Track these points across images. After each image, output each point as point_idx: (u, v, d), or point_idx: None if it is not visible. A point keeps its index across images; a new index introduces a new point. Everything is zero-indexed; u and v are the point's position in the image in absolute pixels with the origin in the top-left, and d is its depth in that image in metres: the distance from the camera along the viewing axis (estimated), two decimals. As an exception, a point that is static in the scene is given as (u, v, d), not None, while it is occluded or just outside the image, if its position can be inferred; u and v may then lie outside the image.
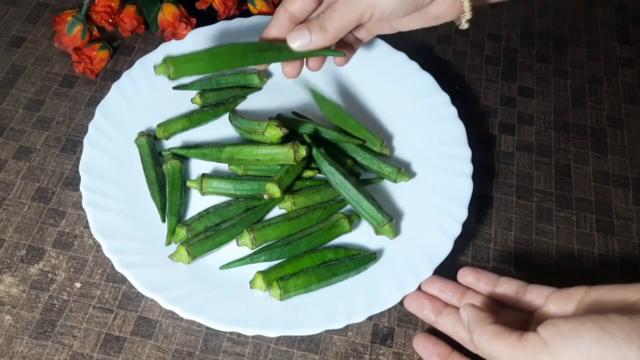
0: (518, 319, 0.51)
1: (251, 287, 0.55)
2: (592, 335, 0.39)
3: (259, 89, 0.70)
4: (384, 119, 0.68)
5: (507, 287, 0.52)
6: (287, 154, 0.59)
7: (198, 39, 0.72)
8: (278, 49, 0.55)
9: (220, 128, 0.67)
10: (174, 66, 0.52)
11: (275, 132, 0.60)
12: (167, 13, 0.71)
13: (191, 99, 0.67)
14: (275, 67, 0.72)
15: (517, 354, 0.42)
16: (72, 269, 0.58)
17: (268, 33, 0.56)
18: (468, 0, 0.54)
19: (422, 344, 0.53)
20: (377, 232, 0.59)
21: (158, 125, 0.65)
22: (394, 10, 0.53)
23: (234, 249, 0.58)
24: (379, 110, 0.69)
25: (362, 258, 0.57)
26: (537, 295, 0.51)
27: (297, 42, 0.54)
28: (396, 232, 0.59)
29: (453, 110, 0.67)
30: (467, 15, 0.54)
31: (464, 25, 0.55)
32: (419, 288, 0.55)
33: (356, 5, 0.53)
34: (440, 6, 0.54)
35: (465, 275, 0.54)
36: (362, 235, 0.60)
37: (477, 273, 0.54)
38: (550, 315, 0.47)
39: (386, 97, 0.70)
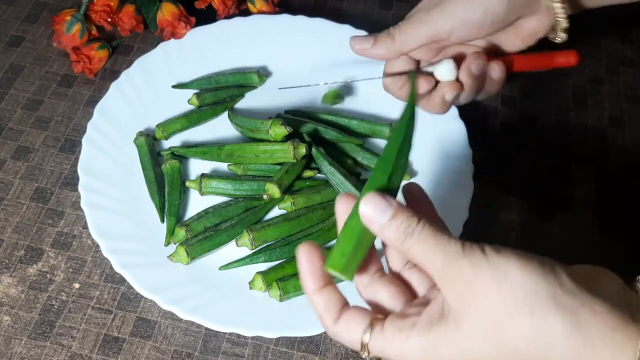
0: None
1: (251, 288, 0.55)
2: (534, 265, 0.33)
3: (256, 87, 0.70)
4: (384, 118, 0.68)
5: None
6: (286, 151, 0.59)
7: (197, 38, 0.71)
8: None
9: (220, 127, 0.66)
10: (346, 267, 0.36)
11: (280, 130, 0.60)
12: (166, 12, 0.71)
13: (188, 100, 0.67)
14: (274, 67, 0.72)
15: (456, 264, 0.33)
16: (70, 270, 0.57)
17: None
18: (561, 6, 0.49)
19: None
20: (378, 233, 0.58)
21: (157, 125, 0.65)
22: (473, 29, 0.49)
23: (233, 250, 0.57)
24: (380, 109, 0.68)
25: (362, 258, 0.57)
26: None
27: (358, 45, 0.51)
28: (396, 232, 0.59)
29: (454, 110, 0.66)
30: (563, 23, 0.50)
31: (561, 37, 0.51)
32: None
33: (432, 20, 0.49)
34: (531, 21, 0.50)
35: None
36: (362, 236, 0.59)
37: (423, 194, 0.40)
38: None
39: (387, 97, 0.69)
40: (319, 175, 0.62)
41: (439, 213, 0.60)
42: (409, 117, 0.39)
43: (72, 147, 0.66)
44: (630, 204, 0.65)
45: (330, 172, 0.60)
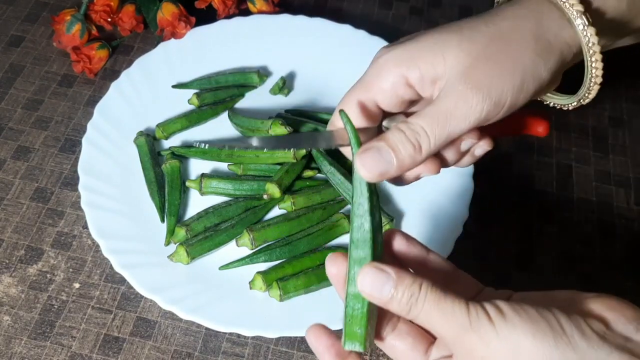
0: None
1: (251, 288, 0.55)
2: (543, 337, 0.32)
3: (256, 87, 0.70)
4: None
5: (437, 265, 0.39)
6: (286, 152, 0.59)
7: (197, 38, 0.71)
8: None
9: (219, 127, 0.66)
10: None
11: (280, 130, 0.60)
12: (166, 12, 0.71)
13: (188, 100, 0.67)
14: (274, 67, 0.72)
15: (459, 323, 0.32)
16: (71, 269, 0.57)
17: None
18: (597, 63, 0.41)
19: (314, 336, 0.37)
20: (378, 233, 0.58)
21: (157, 125, 0.65)
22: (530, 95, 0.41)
23: (233, 250, 0.57)
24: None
25: (363, 258, 0.57)
26: (464, 288, 0.38)
27: (373, 170, 0.37)
28: (396, 232, 0.59)
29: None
30: (594, 91, 0.43)
31: (585, 98, 0.43)
32: None
33: (495, 84, 0.39)
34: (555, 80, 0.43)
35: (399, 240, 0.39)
36: (362, 236, 0.59)
37: (409, 242, 0.39)
38: None
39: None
40: (319, 175, 0.62)
41: (439, 213, 0.61)
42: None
43: (72, 147, 0.66)
44: (630, 204, 0.65)
45: (330, 172, 0.60)
